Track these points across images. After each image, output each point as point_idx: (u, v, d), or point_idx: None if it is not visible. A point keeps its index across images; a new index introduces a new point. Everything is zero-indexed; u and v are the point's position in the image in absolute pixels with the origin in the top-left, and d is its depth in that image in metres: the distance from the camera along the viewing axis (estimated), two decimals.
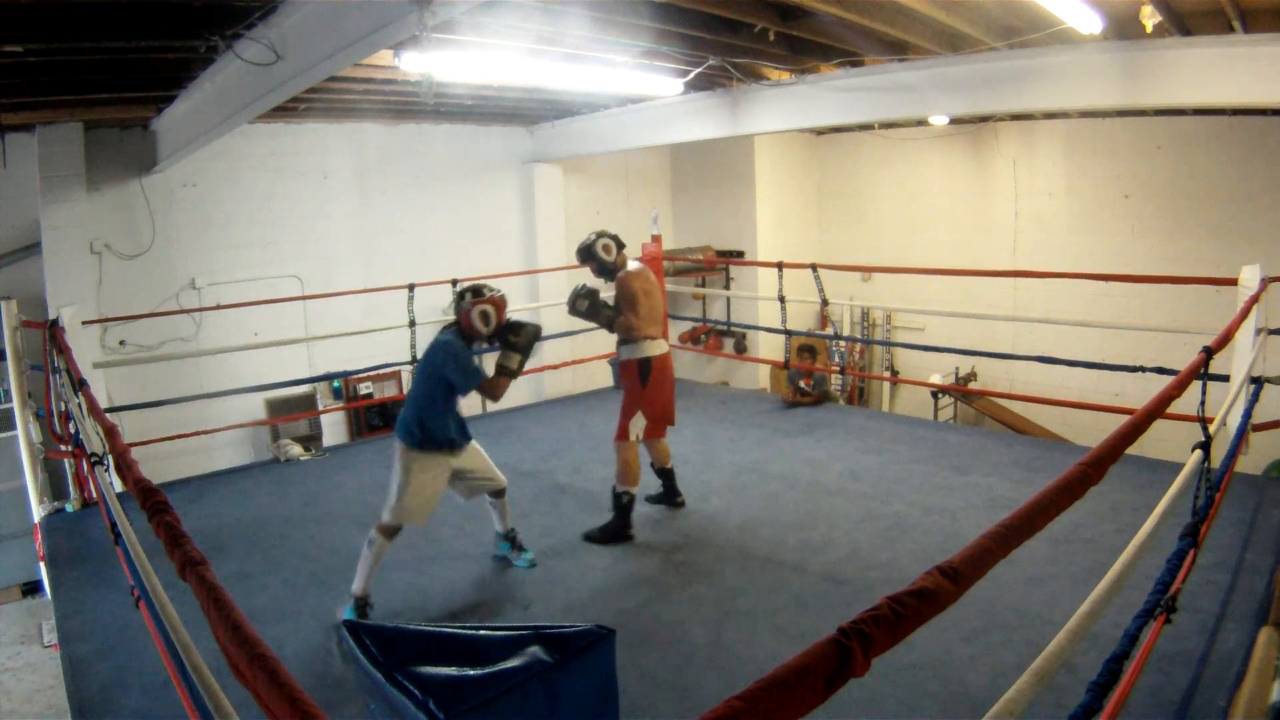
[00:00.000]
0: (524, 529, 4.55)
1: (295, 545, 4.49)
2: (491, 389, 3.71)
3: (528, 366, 4.01)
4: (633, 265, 4.52)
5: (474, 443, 3.91)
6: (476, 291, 3.73)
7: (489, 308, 3.68)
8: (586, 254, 4.49)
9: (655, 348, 4.45)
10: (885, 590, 1.27)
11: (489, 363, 3.93)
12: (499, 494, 4.08)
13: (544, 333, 4.38)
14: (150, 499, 1.84)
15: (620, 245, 4.53)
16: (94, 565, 4.20)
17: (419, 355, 6.68)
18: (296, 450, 6.09)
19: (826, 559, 4.06)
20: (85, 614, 3.74)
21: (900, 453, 5.57)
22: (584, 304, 4.48)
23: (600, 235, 4.48)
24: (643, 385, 4.45)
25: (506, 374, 3.71)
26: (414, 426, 3.65)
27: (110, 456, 2.50)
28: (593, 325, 4.64)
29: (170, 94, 6.15)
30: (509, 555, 4.18)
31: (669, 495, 4.81)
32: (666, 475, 4.79)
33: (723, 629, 3.45)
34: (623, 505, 4.43)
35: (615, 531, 4.40)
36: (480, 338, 3.73)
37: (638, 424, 4.46)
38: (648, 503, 4.76)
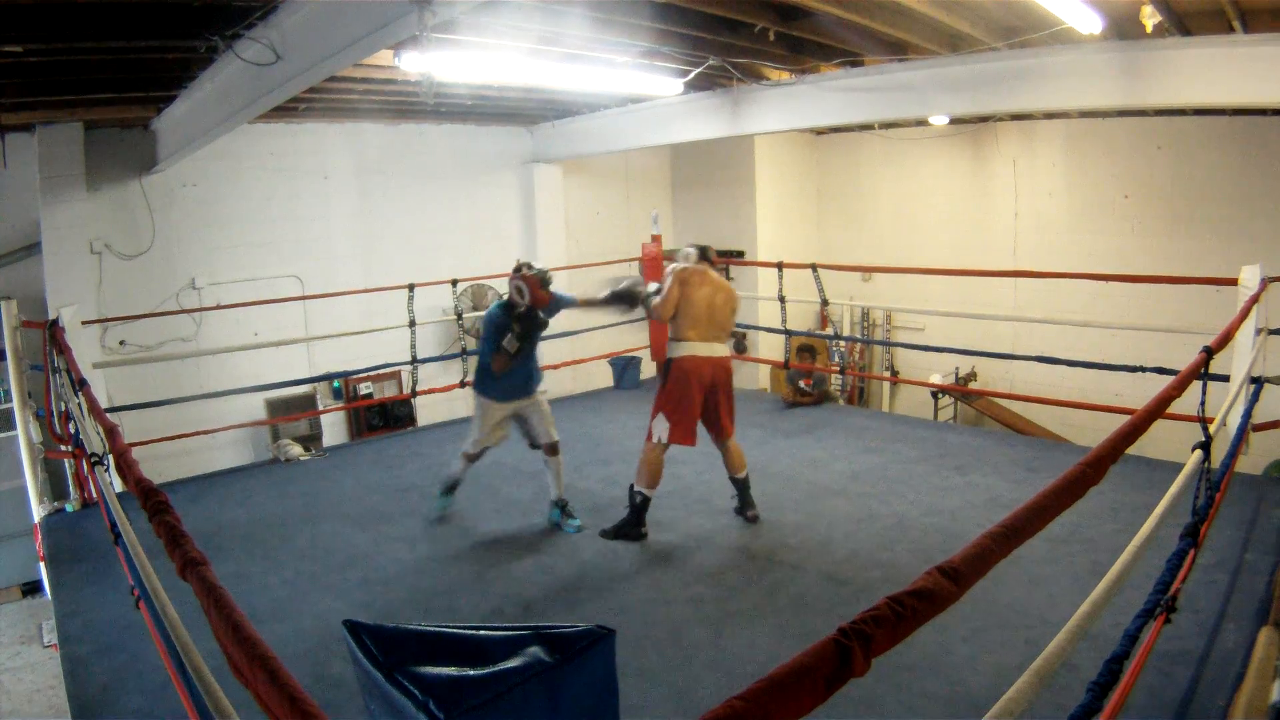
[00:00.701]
0: (524, 528, 4.56)
1: (295, 545, 4.49)
2: (491, 361, 4.39)
3: None
4: (694, 265, 4.55)
5: (538, 397, 4.59)
6: (517, 269, 4.45)
7: (522, 283, 4.38)
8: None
9: (682, 349, 4.39)
10: (885, 590, 1.27)
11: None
12: (552, 452, 4.59)
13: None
14: (150, 499, 1.84)
15: (703, 254, 4.62)
16: (94, 565, 4.20)
17: (419, 355, 6.72)
18: (296, 450, 6.09)
19: (826, 559, 4.06)
20: (85, 614, 3.74)
21: (900, 453, 5.57)
22: (623, 284, 4.68)
23: (691, 245, 4.71)
24: (662, 385, 4.46)
25: (502, 352, 4.34)
26: (477, 377, 4.60)
27: (110, 456, 2.50)
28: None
29: (170, 94, 6.15)
30: (559, 521, 4.58)
31: (740, 507, 4.62)
32: (737, 485, 4.61)
33: (723, 629, 3.45)
34: (635, 504, 4.42)
35: (625, 529, 4.40)
36: (520, 308, 4.38)
37: (660, 425, 4.37)
38: (735, 514, 4.62)
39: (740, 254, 11.01)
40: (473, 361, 5.37)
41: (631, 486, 4.45)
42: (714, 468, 5.30)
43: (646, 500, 4.41)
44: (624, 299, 4.63)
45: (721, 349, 4.49)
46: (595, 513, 4.74)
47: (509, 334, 4.33)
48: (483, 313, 8.71)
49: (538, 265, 4.53)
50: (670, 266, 4.54)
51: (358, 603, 3.78)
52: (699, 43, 5.88)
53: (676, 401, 4.36)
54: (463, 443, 4.69)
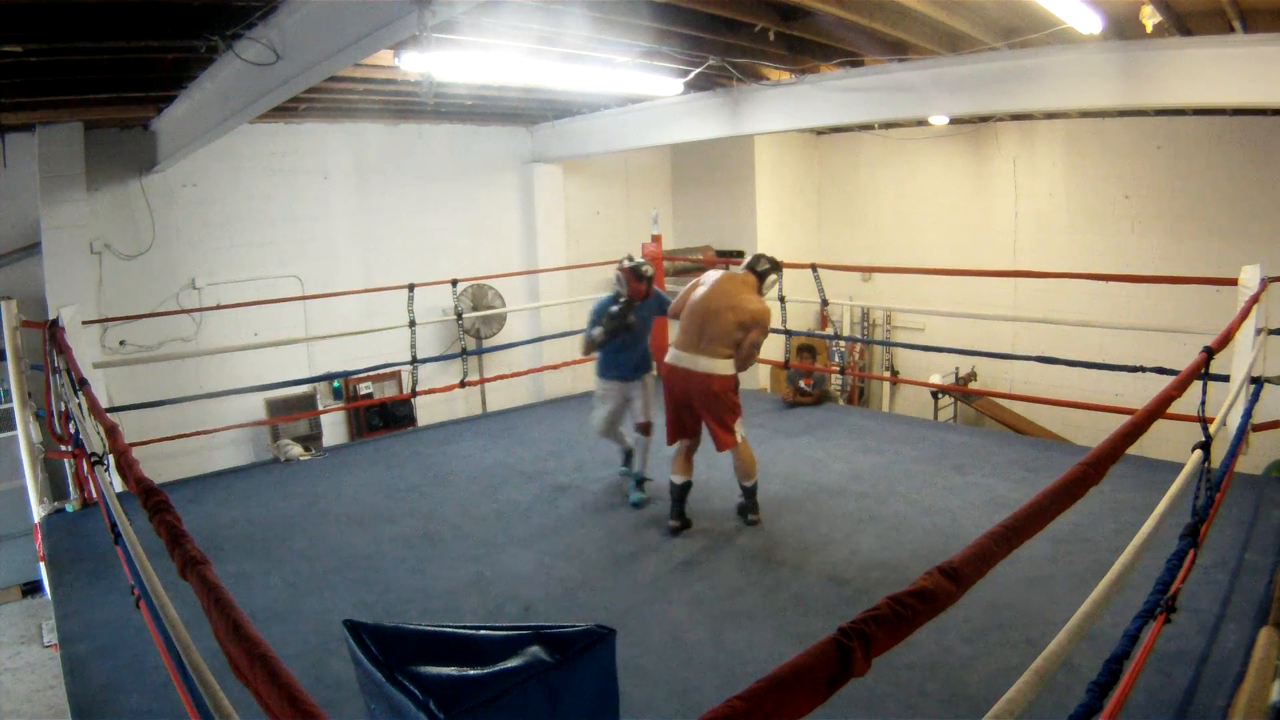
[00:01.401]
0: (524, 528, 4.56)
1: (295, 545, 4.49)
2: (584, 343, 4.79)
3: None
4: (729, 271, 4.65)
5: (645, 378, 4.90)
6: (622, 262, 4.78)
7: (620, 274, 4.73)
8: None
9: (667, 355, 4.50)
10: (885, 590, 1.27)
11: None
12: (644, 431, 4.87)
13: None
14: (151, 498, 1.84)
15: (751, 263, 4.62)
16: (94, 565, 4.20)
17: (419, 355, 6.71)
18: (296, 450, 6.09)
19: (826, 559, 4.06)
20: (85, 614, 3.74)
21: (900, 453, 5.57)
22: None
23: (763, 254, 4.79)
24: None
25: (588, 337, 4.70)
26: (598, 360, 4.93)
27: (110, 456, 2.50)
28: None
29: (170, 94, 6.15)
30: (631, 490, 4.89)
31: (741, 510, 4.57)
32: (743, 491, 4.54)
33: (723, 629, 3.45)
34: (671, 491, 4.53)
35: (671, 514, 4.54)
36: (621, 299, 4.68)
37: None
38: (737, 514, 4.59)
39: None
40: (473, 362, 5.42)
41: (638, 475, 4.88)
42: (712, 468, 5.31)
43: (673, 486, 4.50)
44: None
45: (706, 362, 4.27)
46: (595, 511, 4.75)
47: (598, 322, 4.65)
48: (483, 313, 8.73)
49: (638, 259, 4.80)
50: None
51: (358, 603, 3.77)
52: (699, 43, 5.88)
53: (665, 404, 4.54)
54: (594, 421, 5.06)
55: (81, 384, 3.52)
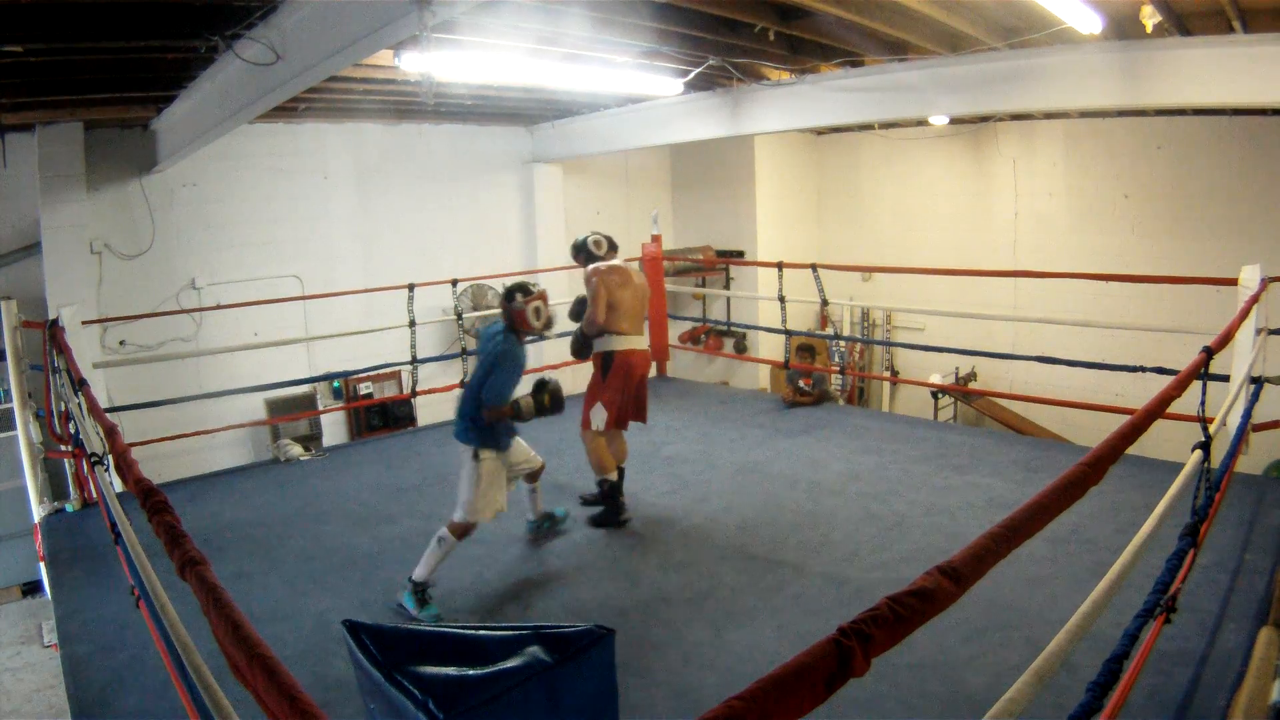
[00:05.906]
0: (523, 528, 4.55)
1: (295, 545, 4.49)
2: (492, 412, 3.84)
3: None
4: (612, 263, 4.67)
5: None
6: (524, 290, 3.90)
7: (539, 304, 3.90)
8: (578, 250, 4.81)
9: (621, 343, 4.54)
10: (885, 590, 1.27)
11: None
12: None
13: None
14: (150, 499, 1.84)
15: (612, 245, 4.77)
16: (94, 565, 4.20)
17: (419, 355, 6.70)
18: (296, 450, 6.08)
19: (826, 559, 4.06)
20: (85, 614, 3.74)
21: (900, 453, 5.57)
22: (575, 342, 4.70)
23: (593, 233, 4.80)
24: (602, 378, 4.57)
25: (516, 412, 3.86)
26: None
27: (110, 456, 2.50)
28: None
29: (170, 94, 6.15)
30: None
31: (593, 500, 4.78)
32: (620, 474, 4.66)
33: (723, 629, 3.45)
34: (605, 492, 4.53)
35: (608, 517, 4.53)
36: (534, 333, 3.95)
37: (598, 415, 4.53)
38: (582, 504, 4.77)
39: (740, 254, 11.01)
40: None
41: (596, 480, 4.61)
42: (711, 467, 5.32)
43: (614, 485, 4.53)
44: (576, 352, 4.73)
45: (645, 341, 4.70)
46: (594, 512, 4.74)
47: (528, 402, 3.99)
48: (483, 312, 8.72)
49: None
50: (590, 266, 4.63)
51: (358, 603, 3.78)
52: (699, 43, 5.88)
53: (616, 391, 4.54)
54: None
55: (81, 384, 3.52)
